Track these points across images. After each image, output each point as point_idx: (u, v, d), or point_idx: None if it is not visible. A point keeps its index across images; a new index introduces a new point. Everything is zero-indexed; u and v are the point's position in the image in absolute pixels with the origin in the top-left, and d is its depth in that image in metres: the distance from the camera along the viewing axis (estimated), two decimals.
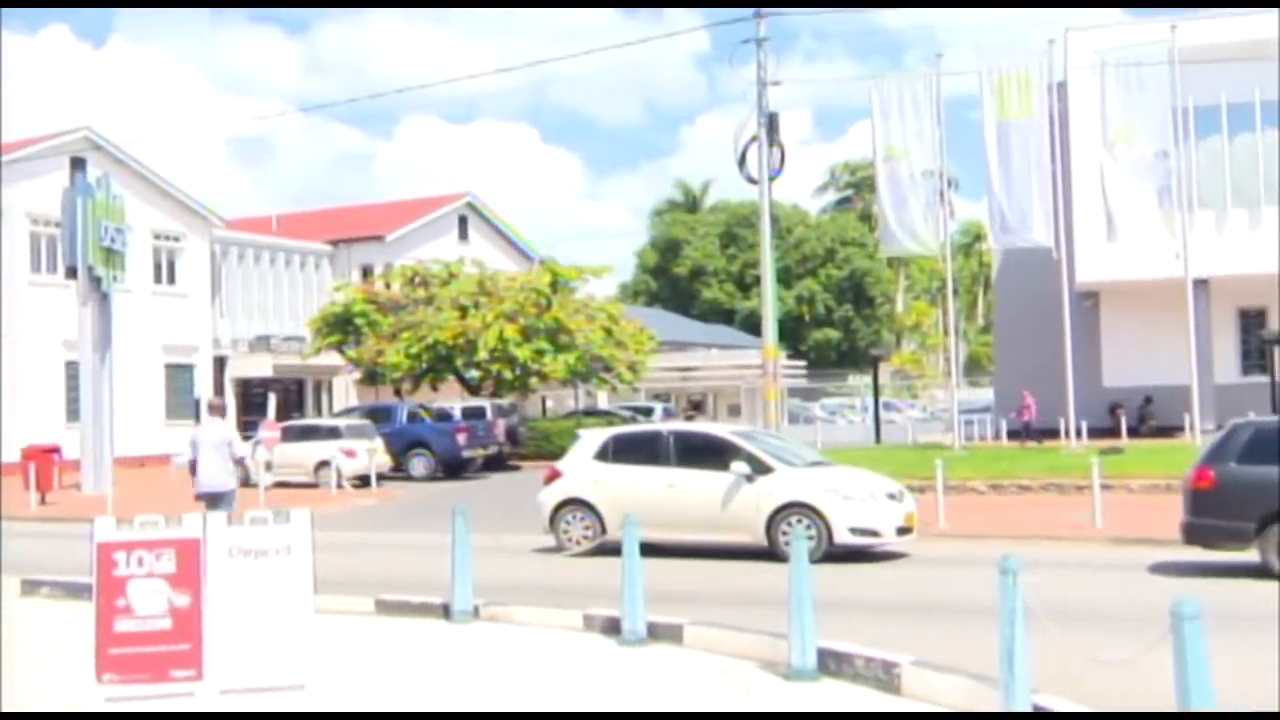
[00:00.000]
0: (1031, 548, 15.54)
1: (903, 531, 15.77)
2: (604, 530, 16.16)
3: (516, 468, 35.08)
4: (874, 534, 15.54)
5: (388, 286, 43.15)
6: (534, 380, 38.88)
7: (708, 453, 16.43)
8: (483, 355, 36.91)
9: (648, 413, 44.31)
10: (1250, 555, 13.35)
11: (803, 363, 68.79)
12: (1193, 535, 13.88)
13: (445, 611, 11.40)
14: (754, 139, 28.35)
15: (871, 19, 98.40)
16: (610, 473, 16.71)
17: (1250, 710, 7.18)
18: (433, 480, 31.79)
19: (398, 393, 39.88)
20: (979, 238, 74.07)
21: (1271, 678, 8.52)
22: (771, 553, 14.97)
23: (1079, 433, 31.32)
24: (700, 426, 22.70)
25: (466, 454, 33.03)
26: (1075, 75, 33.24)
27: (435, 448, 32.63)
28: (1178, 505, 14.24)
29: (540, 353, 37.37)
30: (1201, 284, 32.72)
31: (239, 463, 15.18)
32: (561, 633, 10.63)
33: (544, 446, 36.70)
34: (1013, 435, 35.58)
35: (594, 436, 17.93)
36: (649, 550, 16.02)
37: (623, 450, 17.03)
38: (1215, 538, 13.67)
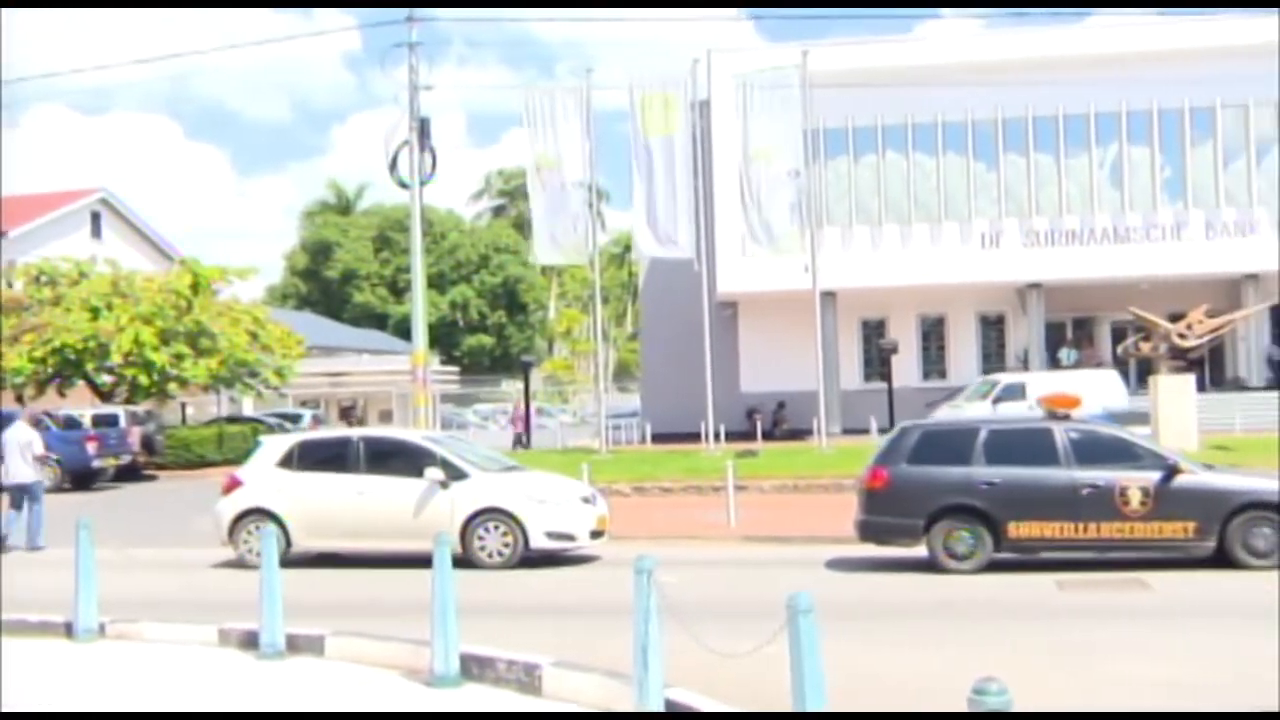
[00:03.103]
0: (679, 547, 16.17)
1: (595, 534, 15.96)
2: (289, 542, 15.54)
3: (153, 478, 33.49)
4: (569, 538, 15.68)
5: (9, 286, 40.17)
6: (173, 386, 37.13)
7: (399, 459, 16.11)
8: (116, 359, 34.93)
9: (296, 419, 43.22)
10: (919, 550, 14.14)
11: (456, 368, 68.90)
12: (867, 532, 14.56)
13: (68, 630, 10.78)
14: (405, 143, 28.17)
15: (524, 30, 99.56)
16: (296, 481, 16.13)
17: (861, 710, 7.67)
18: (59, 492, 29.76)
19: (19, 399, 37.19)
20: (629, 248, 76.04)
21: (913, 664, 9.18)
22: (467, 560, 14.73)
23: (718, 436, 32.67)
24: (392, 432, 22.20)
25: (96, 464, 31.18)
26: (718, 94, 34.73)
27: (61, 457, 30.63)
28: (805, 503, 15.06)
29: (180, 357, 35.73)
30: (829, 296, 34.84)
31: (40, 460, 19.41)
32: (195, 648, 10.24)
33: (184, 455, 35.46)
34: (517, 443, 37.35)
35: (278, 443, 17.30)
36: (339, 560, 15.70)
37: (309, 457, 16.46)
38: (888, 534, 14.40)
